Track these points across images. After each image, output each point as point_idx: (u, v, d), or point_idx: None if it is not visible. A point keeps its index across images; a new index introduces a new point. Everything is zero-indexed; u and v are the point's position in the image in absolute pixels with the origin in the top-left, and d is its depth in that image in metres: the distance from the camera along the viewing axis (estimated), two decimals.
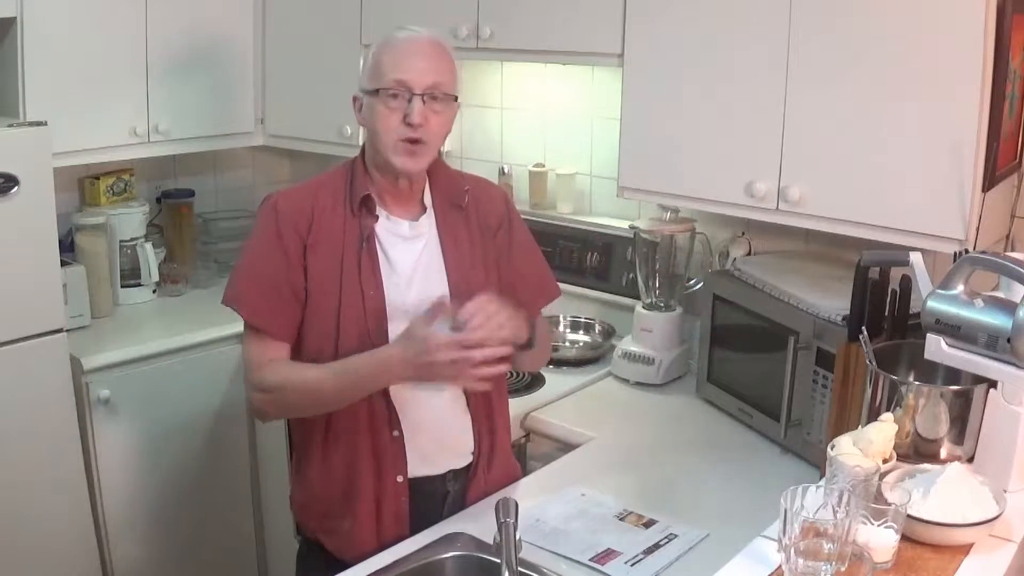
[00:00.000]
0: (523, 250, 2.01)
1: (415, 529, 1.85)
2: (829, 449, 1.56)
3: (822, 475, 1.61)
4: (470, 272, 1.88)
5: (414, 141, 1.76)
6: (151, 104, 2.90)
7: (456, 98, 1.83)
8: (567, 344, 2.87)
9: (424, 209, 1.88)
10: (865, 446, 1.56)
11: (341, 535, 1.87)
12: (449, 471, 1.90)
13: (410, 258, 1.85)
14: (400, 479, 1.85)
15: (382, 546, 1.81)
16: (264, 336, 1.82)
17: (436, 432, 1.87)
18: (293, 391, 1.79)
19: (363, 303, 1.80)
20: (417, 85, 1.75)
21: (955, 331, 1.61)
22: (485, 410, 1.92)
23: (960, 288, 1.62)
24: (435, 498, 1.90)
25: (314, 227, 1.81)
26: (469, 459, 1.93)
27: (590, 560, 1.76)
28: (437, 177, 1.91)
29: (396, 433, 1.83)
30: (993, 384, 1.62)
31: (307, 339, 1.83)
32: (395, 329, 1.80)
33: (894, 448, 1.62)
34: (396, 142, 1.77)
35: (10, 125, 2.47)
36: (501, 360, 1.68)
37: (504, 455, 2.01)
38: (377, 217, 1.84)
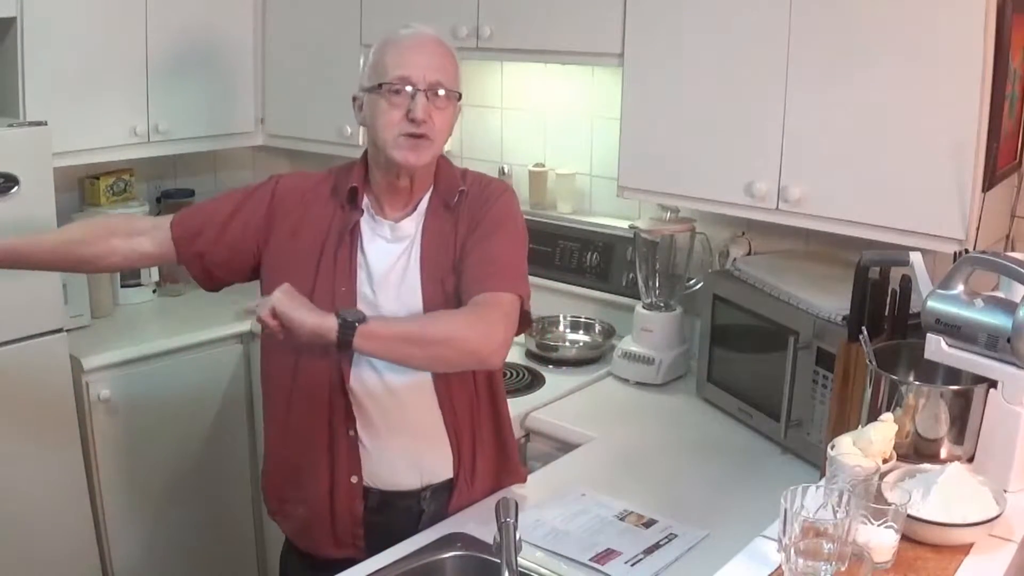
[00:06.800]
0: (484, 233, 1.80)
1: (386, 544, 1.78)
2: (829, 449, 1.56)
3: (822, 475, 1.61)
4: (445, 279, 1.81)
5: (417, 136, 1.75)
6: (151, 104, 2.90)
7: (459, 96, 1.81)
8: (567, 344, 2.87)
9: (414, 212, 1.85)
10: (865, 446, 1.56)
11: (296, 521, 1.88)
12: (426, 487, 1.86)
13: (387, 260, 1.82)
14: (355, 480, 1.82)
15: (339, 545, 1.82)
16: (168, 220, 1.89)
17: (405, 443, 1.83)
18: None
19: (333, 298, 1.77)
20: (420, 81, 1.74)
21: (955, 331, 1.61)
22: (469, 426, 1.87)
23: (960, 288, 1.62)
24: (410, 515, 1.86)
25: (302, 211, 1.83)
26: (448, 475, 1.88)
27: (590, 560, 1.76)
28: (439, 181, 1.87)
29: (352, 432, 1.81)
30: (993, 384, 1.62)
31: None
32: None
33: (894, 448, 1.61)
34: (397, 137, 1.75)
35: (10, 125, 2.47)
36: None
37: (494, 467, 1.94)
38: (362, 211, 1.83)
